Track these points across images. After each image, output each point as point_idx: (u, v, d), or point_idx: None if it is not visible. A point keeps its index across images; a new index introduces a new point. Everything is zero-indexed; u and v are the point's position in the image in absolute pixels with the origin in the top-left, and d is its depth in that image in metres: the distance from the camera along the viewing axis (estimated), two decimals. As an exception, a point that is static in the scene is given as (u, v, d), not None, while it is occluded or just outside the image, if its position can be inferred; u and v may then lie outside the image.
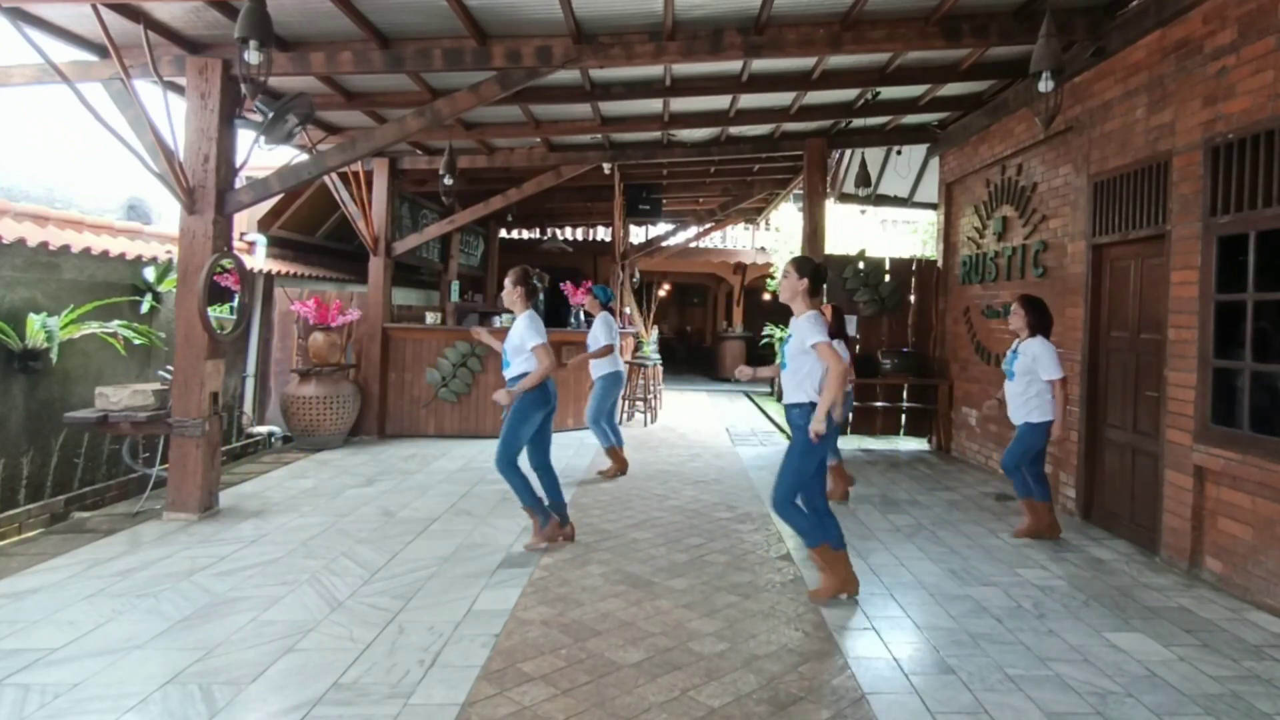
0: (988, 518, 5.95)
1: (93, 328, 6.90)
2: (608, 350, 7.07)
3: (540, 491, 4.98)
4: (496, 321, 9.89)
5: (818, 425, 3.91)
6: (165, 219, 11.78)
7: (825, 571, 4.18)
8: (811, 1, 5.33)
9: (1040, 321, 5.22)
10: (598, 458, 7.91)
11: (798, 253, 10.32)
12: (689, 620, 3.82)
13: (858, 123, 8.66)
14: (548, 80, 6.41)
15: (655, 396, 11.10)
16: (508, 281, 5.05)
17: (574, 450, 8.39)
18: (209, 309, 5.43)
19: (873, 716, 2.94)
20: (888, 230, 16.39)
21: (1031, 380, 5.16)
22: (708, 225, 16.36)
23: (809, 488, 4.15)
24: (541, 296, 5.22)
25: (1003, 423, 7.46)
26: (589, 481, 6.89)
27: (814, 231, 9.12)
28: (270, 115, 5.35)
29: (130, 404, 5.37)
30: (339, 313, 8.20)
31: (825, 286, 4.17)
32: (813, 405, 4.02)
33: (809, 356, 4.02)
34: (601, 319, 7.18)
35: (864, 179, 9.23)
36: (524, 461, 4.87)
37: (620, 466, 7.18)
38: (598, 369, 7.18)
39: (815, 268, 4.17)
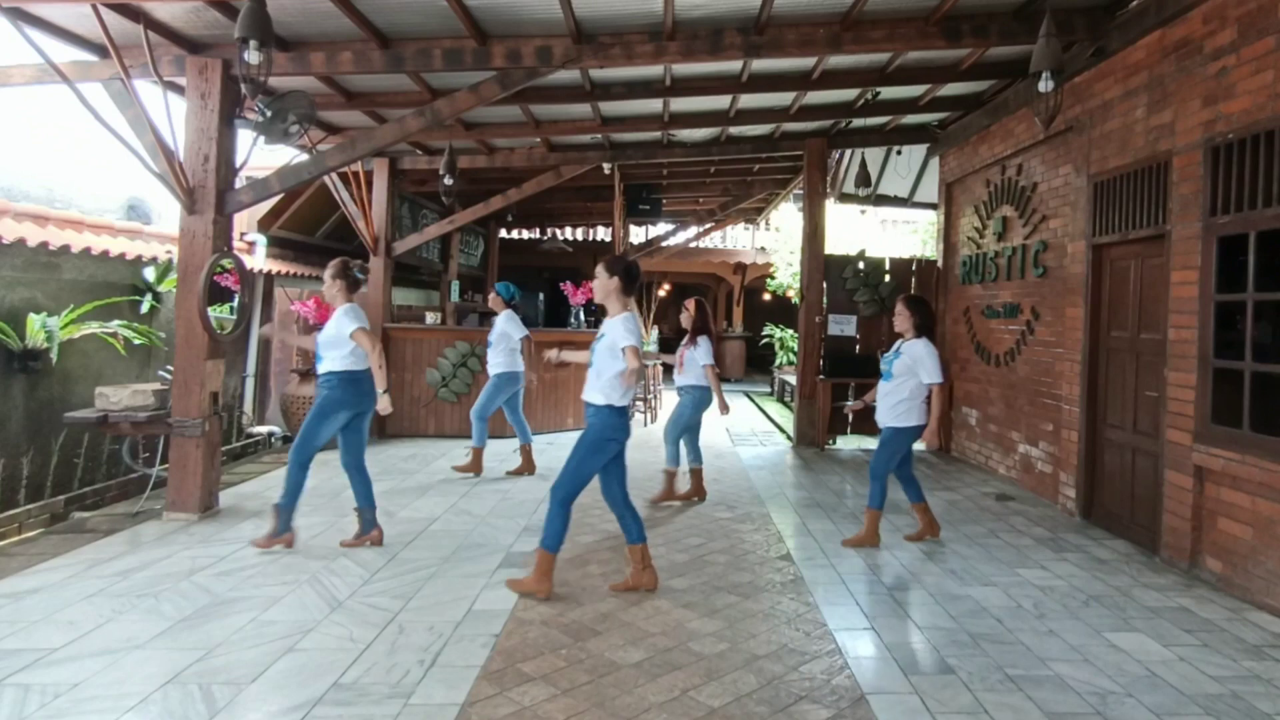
0: (988, 518, 5.95)
1: (93, 328, 6.91)
2: (527, 343, 6.89)
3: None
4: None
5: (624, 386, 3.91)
6: (165, 219, 11.77)
7: (537, 570, 4.05)
8: (811, 1, 5.33)
9: (926, 323, 5.05)
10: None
11: (798, 253, 10.32)
12: (689, 620, 3.82)
13: (858, 123, 8.67)
14: (548, 80, 6.41)
15: (655, 396, 11.09)
16: (326, 275, 4.84)
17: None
18: (209, 309, 5.43)
19: (873, 716, 2.94)
20: (888, 230, 16.40)
21: (906, 382, 4.97)
22: (708, 225, 16.37)
23: (601, 482, 4.11)
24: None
25: (1004, 423, 7.47)
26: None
27: (814, 231, 9.12)
28: (269, 112, 5.35)
29: (130, 404, 5.37)
30: (339, 313, 8.19)
31: (637, 284, 4.13)
32: (610, 408, 3.93)
33: (618, 359, 3.93)
34: (507, 316, 6.95)
35: (864, 179, 9.23)
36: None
37: (475, 468, 6.93)
38: (494, 366, 6.94)
39: (626, 266, 4.07)
